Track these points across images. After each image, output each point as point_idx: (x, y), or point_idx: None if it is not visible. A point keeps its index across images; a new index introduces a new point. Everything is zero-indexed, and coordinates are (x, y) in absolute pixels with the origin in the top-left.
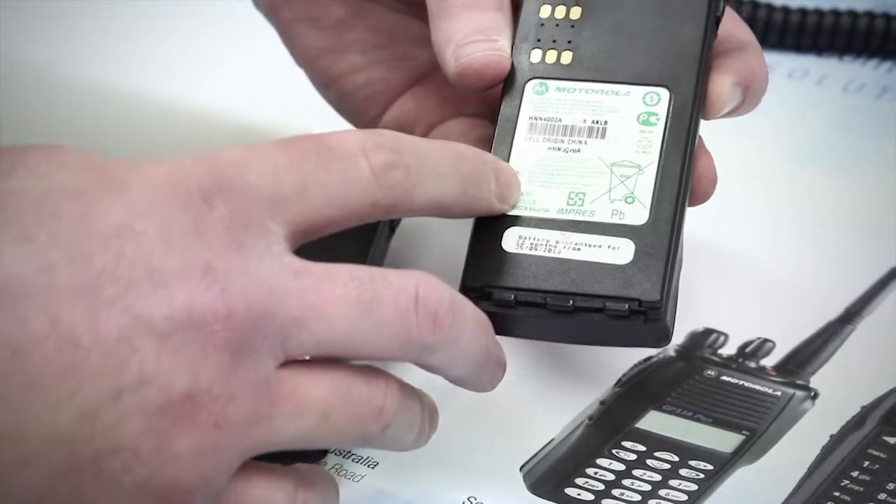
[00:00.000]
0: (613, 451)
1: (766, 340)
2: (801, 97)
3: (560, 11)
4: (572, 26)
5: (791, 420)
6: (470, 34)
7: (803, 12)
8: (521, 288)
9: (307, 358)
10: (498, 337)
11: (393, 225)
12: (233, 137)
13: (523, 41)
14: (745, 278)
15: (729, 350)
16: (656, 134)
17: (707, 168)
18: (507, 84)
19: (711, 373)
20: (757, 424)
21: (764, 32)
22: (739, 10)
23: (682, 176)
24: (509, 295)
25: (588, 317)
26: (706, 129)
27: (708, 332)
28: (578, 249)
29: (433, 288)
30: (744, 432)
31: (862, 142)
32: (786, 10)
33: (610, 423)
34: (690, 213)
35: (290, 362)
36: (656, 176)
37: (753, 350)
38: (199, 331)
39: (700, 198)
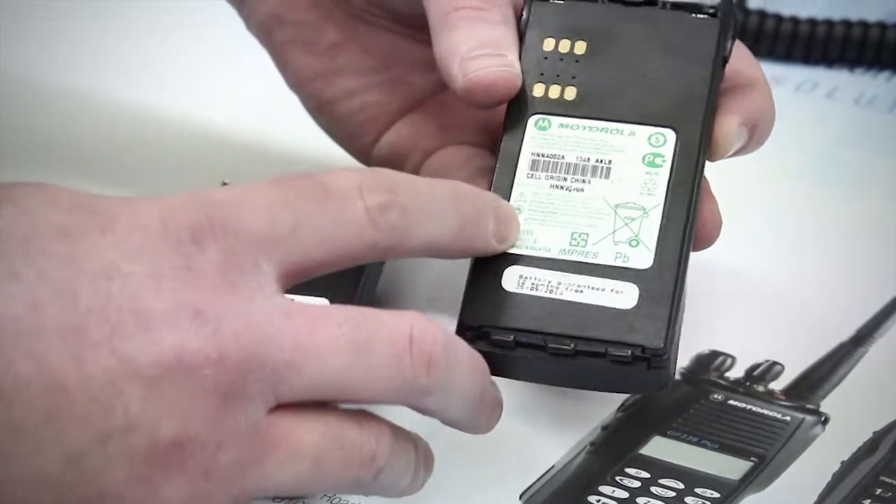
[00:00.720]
0: (617, 479)
1: (774, 363)
2: (809, 111)
3: (564, 46)
4: (577, 61)
5: (801, 446)
6: (476, 47)
7: (812, 23)
8: (521, 329)
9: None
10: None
11: None
12: (228, 147)
13: (526, 74)
14: (752, 298)
15: (736, 373)
16: (662, 176)
17: (711, 212)
18: (509, 117)
19: (718, 397)
20: (765, 451)
21: (772, 43)
22: (746, 20)
23: (688, 221)
24: (508, 336)
25: (589, 361)
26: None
27: (714, 354)
28: (581, 292)
29: (427, 329)
30: (752, 459)
31: (873, 156)
32: (794, 21)
33: (613, 449)
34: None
35: (281, 406)
36: (661, 220)
37: (762, 373)
38: (188, 375)
39: (704, 242)
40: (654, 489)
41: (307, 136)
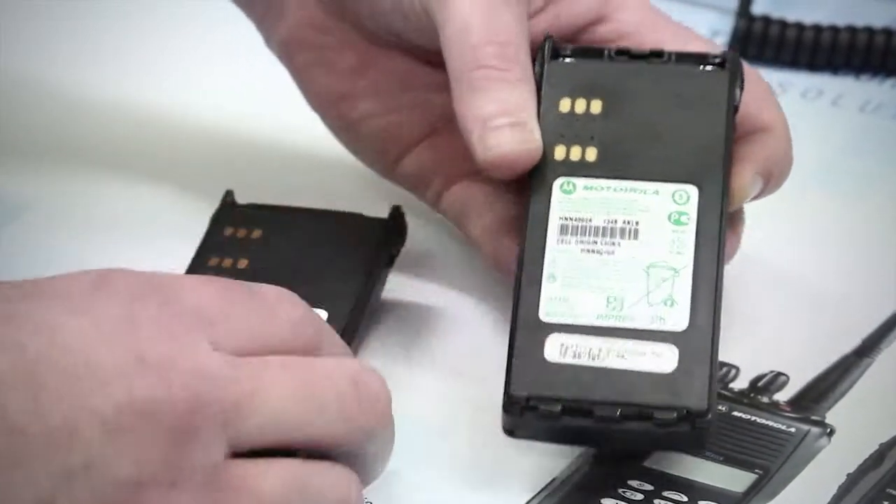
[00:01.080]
0: (620, 491)
1: (779, 374)
2: (815, 118)
3: (580, 105)
4: (594, 121)
5: (806, 458)
6: (497, 115)
7: (818, 29)
8: (568, 398)
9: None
10: None
11: (392, 254)
12: (227, 147)
13: (546, 136)
14: (757, 307)
15: (740, 384)
16: (688, 234)
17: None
18: (533, 181)
19: (722, 408)
20: (770, 462)
21: (776, 50)
22: (751, 26)
23: (717, 278)
24: (556, 406)
25: (635, 426)
26: None
27: (719, 365)
28: (622, 357)
29: (371, 375)
30: (756, 471)
31: (880, 164)
32: (799, 27)
33: (616, 462)
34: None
35: (242, 453)
36: (692, 278)
37: (766, 384)
38: (141, 416)
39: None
40: (657, 501)
41: (307, 137)
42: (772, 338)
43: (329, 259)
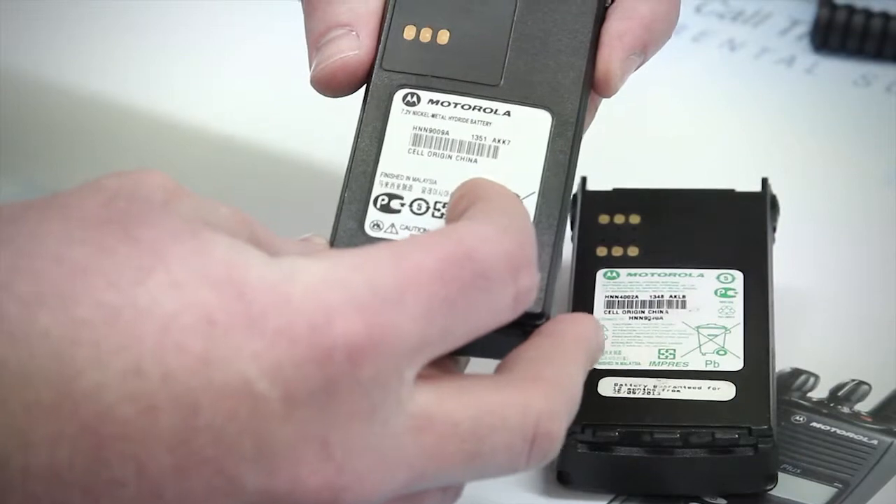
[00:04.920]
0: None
1: (860, 383)
2: None
3: (619, 219)
4: (634, 229)
5: (888, 472)
6: (327, 32)
7: None
8: (625, 424)
9: None
10: None
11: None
12: (227, 147)
13: (584, 240)
14: (837, 313)
15: (820, 393)
16: (736, 302)
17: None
18: (577, 274)
19: (800, 418)
20: (850, 476)
21: (860, 41)
22: (833, 15)
23: (768, 329)
24: (612, 432)
25: (694, 452)
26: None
27: (796, 372)
28: (678, 391)
29: (550, 426)
30: (836, 485)
31: None
32: (885, 17)
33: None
34: (777, 251)
35: None
36: (744, 332)
37: (847, 393)
38: None
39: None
40: None
41: (308, 137)
42: (853, 345)
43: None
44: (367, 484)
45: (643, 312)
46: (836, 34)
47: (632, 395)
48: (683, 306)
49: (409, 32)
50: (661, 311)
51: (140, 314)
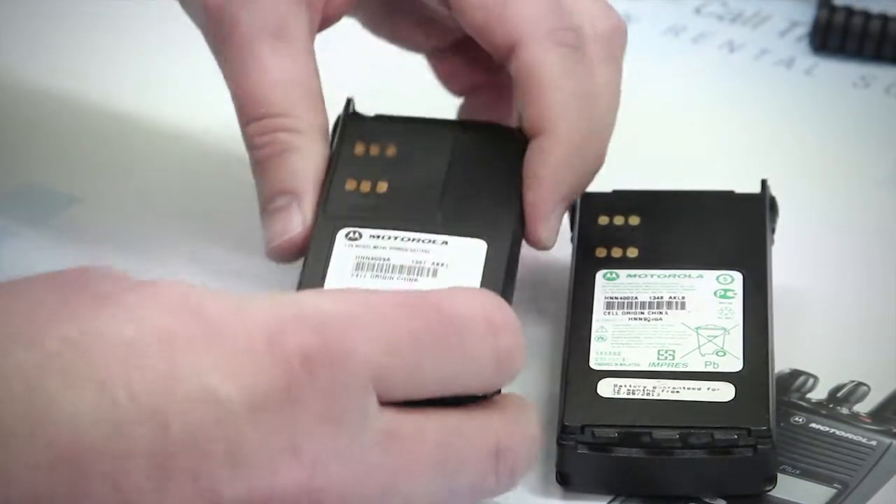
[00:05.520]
0: None
1: (860, 384)
2: None
3: (619, 220)
4: (633, 230)
5: (887, 473)
6: (272, 199)
7: None
8: (624, 424)
9: None
10: None
11: None
12: (228, 146)
13: (584, 242)
14: (836, 314)
15: (819, 394)
16: (735, 304)
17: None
18: (576, 274)
19: (799, 419)
20: (849, 477)
21: (859, 42)
22: (832, 16)
23: (768, 330)
24: (612, 432)
25: (693, 453)
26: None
27: (795, 373)
28: (677, 392)
29: (512, 439)
30: (835, 486)
31: None
32: (884, 18)
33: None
34: (776, 252)
35: None
36: (743, 334)
37: (846, 394)
38: None
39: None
40: None
41: None
42: (852, 346)
43: (480, 178)
44: (341, 490)
45: (642, 313)
46: (836, 35)
47: (631, 396)
48: (683, 307)
49: (350, 185)
50: (660, 313)
51: (104, 342)
